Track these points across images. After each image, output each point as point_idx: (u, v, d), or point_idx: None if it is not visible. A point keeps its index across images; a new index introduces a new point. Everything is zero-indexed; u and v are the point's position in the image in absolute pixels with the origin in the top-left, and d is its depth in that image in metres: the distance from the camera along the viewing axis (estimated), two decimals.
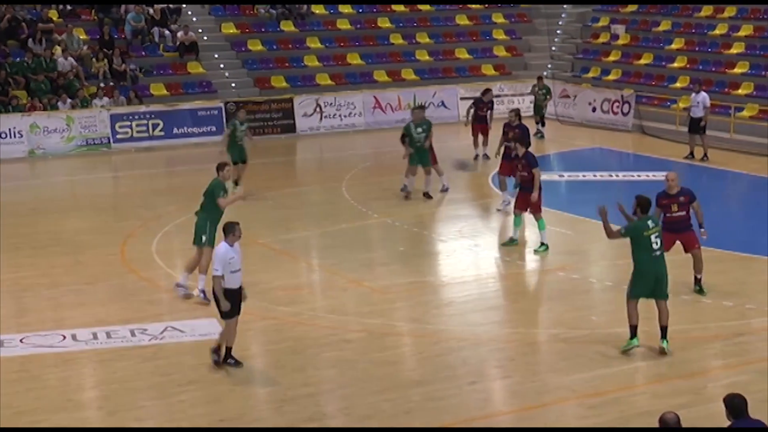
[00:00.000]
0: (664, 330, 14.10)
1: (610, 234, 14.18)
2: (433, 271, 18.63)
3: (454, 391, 13.00)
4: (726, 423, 9.43)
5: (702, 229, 16.41)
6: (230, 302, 13.42)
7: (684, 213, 16.26)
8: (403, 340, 15.04)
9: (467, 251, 19.62)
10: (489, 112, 27.52)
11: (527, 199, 19.00)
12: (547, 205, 20.54)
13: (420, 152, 22.76)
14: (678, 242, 16.37)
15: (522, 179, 19.17)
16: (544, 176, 25.67)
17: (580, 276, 17.72)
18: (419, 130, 22.69)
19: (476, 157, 27.45)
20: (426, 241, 20.45)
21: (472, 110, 27.82)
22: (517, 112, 22.49)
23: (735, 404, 9.38)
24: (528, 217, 19.49)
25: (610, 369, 13.62)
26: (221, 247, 13.47)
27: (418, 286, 17.44)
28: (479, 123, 27.52)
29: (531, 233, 19.69)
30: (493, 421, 12.29)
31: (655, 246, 13.87)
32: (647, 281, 13.94)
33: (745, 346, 14.48)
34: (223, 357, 13.80)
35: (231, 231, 13.50)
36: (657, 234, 13.93)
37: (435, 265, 19.15)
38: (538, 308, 16.57)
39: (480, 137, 27.61)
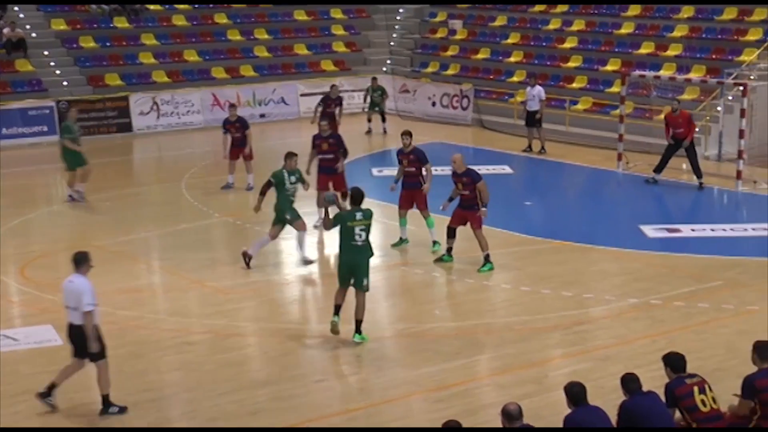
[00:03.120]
0: (358, 324, 14.41)
1: (327, 225, 14.80)
2: (277, 270, 18.44)
3: (302, 390, 12.93)
4: (567, 411, 9.62)
5: (483, 209, 17.38)
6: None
7: (468, 192, 17.46)
8: (248, 340, 14.88)
9: (312, 248, 19.43)
10: (338, 108, 27.42)
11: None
12: (387, 201, 20.61)
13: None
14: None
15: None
16: (386, 171, 25.99)
17: (423, 270, 17.79)
18: (293, 178, 18.22)
19: None
20: None
21: (320, 108, 27.67)
22: (329, 123, 21.46)
23: (574, 392, 9.62)
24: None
25: (455, 362, 13.71)
26: (86, 280, 12.21)
27: (262, 285, 17.28)
28: (327, 120, 27.31)
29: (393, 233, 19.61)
30: (342, 419, 12.21)
31: (357, 237, 14.24)
32: (344, 269, 14.42)
33: (584, 334, 14.77)
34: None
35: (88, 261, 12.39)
36: (363, 227, 14.28)
37: (279, 263, 18.91)
38: (384, 303, 16.53)
39: None
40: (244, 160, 23.74)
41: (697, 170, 23.69)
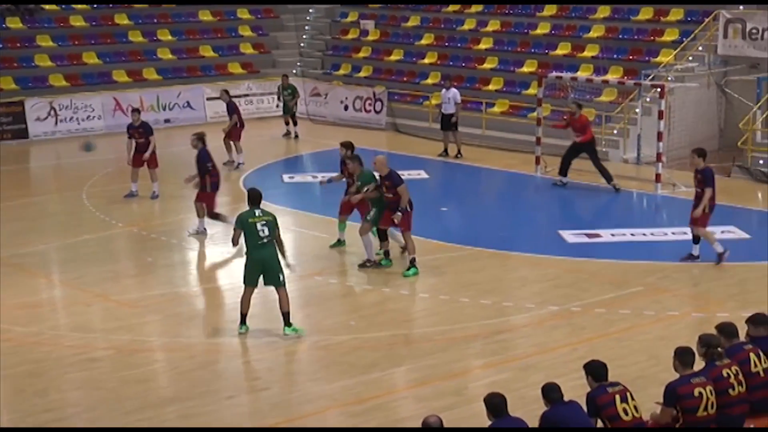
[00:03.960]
0: (285, 316, 14.59)
1: (236, 240, 14.81)
2: (184, 282, 18.07)
3: (212, 407, 12.61)
4: (488, 422, 9.47)
5: (397, 212, 17.15)
6: None
7: (392, 195, 17.39)
8: (154, 356, 14.59)
9: (220, 259, 19.15)
10: (234, 114, 26.70)
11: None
12: (299, 209, 20.34)
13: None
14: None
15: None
16: (297, 177, 25.54)
17: (338, 280, 17.62)
18: (359, 183, 18.01)
19: (232, 163, 26.56)
20: (176, 250, 19.75)
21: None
22: (199, 137, 20.31)
23: (495, 403, 9.55)
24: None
25: (371, 375, 13.50)
26: None
27: (169, 297, 16.86)
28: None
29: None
30: None
31: (261, 234, 14.43)
32: (254, 268, 14.56)
33: (504, 343, 14.63)
34: None
35: None
36: (264, 222, 14.49)
37: (186, 274, 18.57)
38: (297, 315, 16.12)
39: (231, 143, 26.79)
40: (148, 168, 23.02)
41: (603, 172, 23.57)
